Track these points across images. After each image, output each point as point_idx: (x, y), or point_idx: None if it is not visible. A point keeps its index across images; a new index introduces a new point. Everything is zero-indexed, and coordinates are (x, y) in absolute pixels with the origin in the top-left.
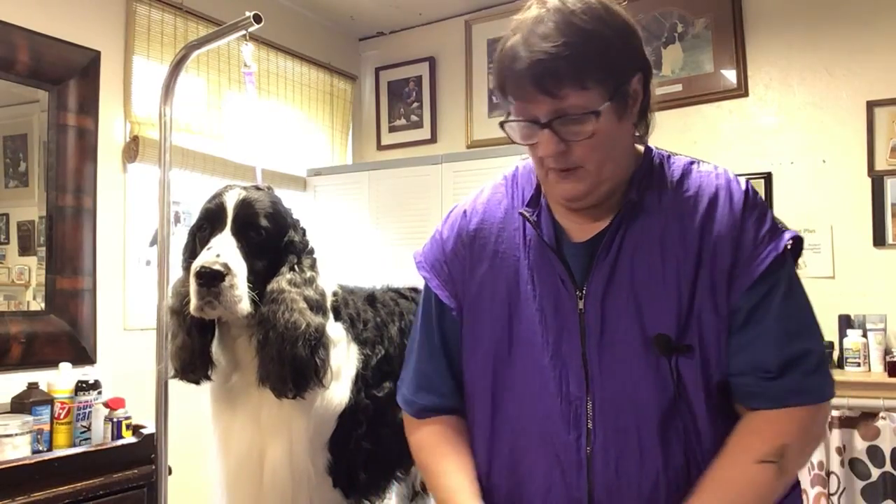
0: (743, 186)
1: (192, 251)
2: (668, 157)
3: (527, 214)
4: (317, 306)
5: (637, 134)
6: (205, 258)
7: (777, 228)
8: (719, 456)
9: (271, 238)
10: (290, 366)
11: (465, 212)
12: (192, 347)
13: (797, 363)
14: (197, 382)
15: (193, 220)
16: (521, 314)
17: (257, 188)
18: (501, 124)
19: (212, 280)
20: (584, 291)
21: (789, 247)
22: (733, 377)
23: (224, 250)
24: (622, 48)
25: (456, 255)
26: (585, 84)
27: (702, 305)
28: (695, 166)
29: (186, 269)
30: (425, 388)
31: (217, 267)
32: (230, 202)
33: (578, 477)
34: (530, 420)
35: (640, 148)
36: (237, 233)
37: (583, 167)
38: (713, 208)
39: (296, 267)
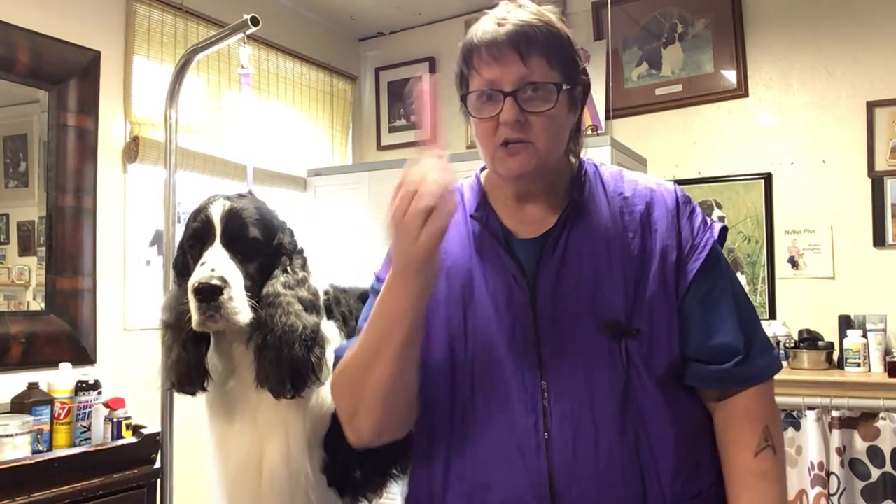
0: (671, 188)
1: (183, 267)
2: (599, 165)
3: (476, 216)
4: (311, 306)
5: (573, 146)
6: (200, 274)
7: (706, 220)
8: (725, 465)
9: (261, 244)
10: (289, 367)
11: None
12: (187, 361)
13: (755, 345)
14: (193, 394)
15: (181, 233)
16: (475, 309)
17: (241, 196)
18: (463, 97)
19: (210, 295)
20: (535, 284)
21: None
22: (700, 364)
23: (218, 263)
24: (574, 53)
25: None
26: (551, 61)
27: (651, 294)
28: (625, 173)
29: (179, 284)
30: None
31: (214, 282)
32: (216, 215)
33: (538, 459)
34: (489, 409)
35: (575, 160)
36: (228, 244)
37: (533, 144)
38: (650, 209)
39: (288, 268)
